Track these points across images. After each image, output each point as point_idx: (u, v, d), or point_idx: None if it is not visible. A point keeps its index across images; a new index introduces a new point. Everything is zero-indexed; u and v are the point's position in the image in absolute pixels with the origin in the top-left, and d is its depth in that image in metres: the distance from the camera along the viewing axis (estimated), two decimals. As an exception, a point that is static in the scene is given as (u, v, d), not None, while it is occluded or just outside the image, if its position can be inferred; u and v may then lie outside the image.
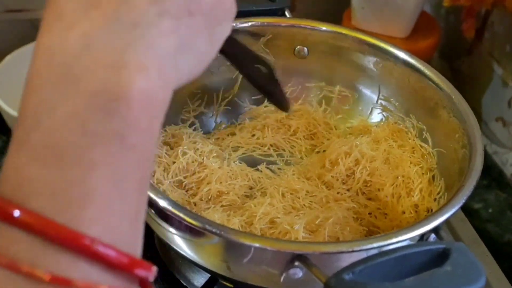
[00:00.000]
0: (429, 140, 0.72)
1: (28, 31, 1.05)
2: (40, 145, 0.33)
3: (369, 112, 0.79)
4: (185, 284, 0.68)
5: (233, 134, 0.79)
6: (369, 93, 0.79)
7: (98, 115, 0.33)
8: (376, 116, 0.79)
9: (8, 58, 0.97)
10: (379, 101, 0.78)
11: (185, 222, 0.52)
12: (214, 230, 0.52)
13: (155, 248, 0.70)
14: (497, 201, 0.97)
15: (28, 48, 1.00)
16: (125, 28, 0.35)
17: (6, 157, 0.34)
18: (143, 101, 0.34)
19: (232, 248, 0.55)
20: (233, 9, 0.42)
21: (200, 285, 0.67)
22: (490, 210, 0.96)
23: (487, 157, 0.98)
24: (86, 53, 0.34)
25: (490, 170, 1.00)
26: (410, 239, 0.53)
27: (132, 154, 0.34)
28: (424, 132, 0.73)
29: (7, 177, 0.33)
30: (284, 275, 0.53)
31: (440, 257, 0.48)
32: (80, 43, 0.34)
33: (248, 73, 0.63)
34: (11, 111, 0.88)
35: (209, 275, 0.67)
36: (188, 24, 0.38)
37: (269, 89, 0.64)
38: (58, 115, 0.33)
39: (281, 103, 0.65)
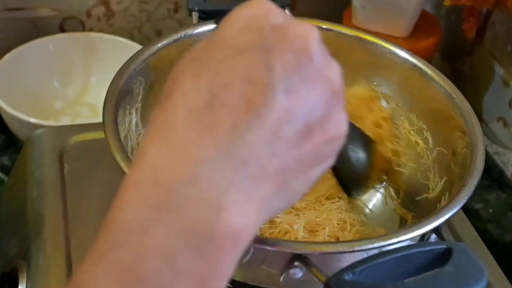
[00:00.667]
0: (430, 139, 0.72)
1: (27, 30, 1.06)
2: (121, 265, 0.31)
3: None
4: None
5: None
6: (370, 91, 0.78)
7: (188, 253, 0.32)
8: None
9: (7, 56, 0.97)
10: (381, 100, 0.78)
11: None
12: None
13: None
14: (498, 202, 0.97)
15: (27, 47, 1.00)
16: (234, 164, 0.34)
17: (80, 264, 0.32)
18: (233, 245, 0.34)
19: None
20: (341, 144, 0.40)
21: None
22: (490, 211, 0.96)
23: (487, 157, 0.98)
24: (192, 183, 0.33)
25: (491, 171, 1.00)
26: (411, 239, 0.53)
27: None
28: (424, 132, 0.73)
29: (77, 286, 0.32)
30: (283, 275, 0.52)
31: (442, 257, 0.48)
32: (189, 171, 0.33)
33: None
34: (10, 109, 0.87)
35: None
36: (294, 166, 0.37)
37: (355, 177, 0.57)
38: (148, 241, 0.32)
39: (351, 188, 0.60)
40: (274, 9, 0.38)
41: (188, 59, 0.38)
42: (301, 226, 0.61)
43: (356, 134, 0.55)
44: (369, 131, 0.74)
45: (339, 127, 0.39)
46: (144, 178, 0.34)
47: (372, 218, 0.72)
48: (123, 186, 0.34)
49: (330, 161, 0.41)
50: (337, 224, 0.64)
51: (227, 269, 0.34)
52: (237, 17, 0.38)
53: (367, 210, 0.72)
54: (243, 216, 0.34)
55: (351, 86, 0.76)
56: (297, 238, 0.60)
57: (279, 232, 0.61)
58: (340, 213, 0.68)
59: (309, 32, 0.37)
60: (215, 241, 0.32)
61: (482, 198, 0.97)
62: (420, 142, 0.72)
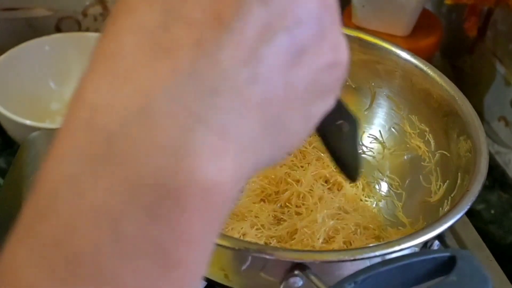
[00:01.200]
0: (432, 142, 0.71)
1: (23, 30, 1.05)
2: (50, 242, 0.24)
3: (370, 112, 0.78)
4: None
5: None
6: (370, 93, 0.78)
7: (139, 215, 0.24)
8: (379, 117, 0.78)
9: (2, 57, 0.96)
10: (381, 102, 0.77)
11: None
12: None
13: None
14: (500, 202, 0.96)
15: (23, 47, 0.99)
16: (200, 92, 0.26)
17: (5, 245, 0.25)
18: (206, 202, 0.25)
19: (229, 257, 0.54)
20: (344, 75, 0.32)
21: (197, 292, 0.66)
22: (492, 211, 0.95)
23: (489, 157, 0.97)
24: (141, 123, 0.25)
25: (493, 171, 0.99)
26: (414, 246, 0.52)
27: (174, 276, 0.25)
28: (426, 134, 0.72)
29: (2, 277, 0.25)
30: (283, 284, 0.52)
31: (446, 266, 0.47)
32: (137, 106, 0.25)
33: (324, 133, 0.47)
34: (6, 111, 0.86)
35: (206, 283, 0.66)
36: (284, 96, 0.29)
37: (343, 152, 0.50)
38: (83, 205, 0.24)
39: (350, 171, 0.51)
40: None
41: None
42: (322, 236, 0.61)
43: (344, 108, 0.48)
44: None
45: (338, 50, 0.31)
46: (80, 123, 0.26)
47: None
48: (55, 137, 0.26)
49: (333, 95, 0.32)
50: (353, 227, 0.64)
51: (204, 235, 0.26)
52: None
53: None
54: (216, 162, 0.25)
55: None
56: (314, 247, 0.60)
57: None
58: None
59: None
60: (177, 197, 0.24)
61: (483, 199, 0.96)
62: (422, 145, 0.71)
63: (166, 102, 0.25)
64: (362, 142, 0.70)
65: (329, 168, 0.73)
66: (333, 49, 0.31)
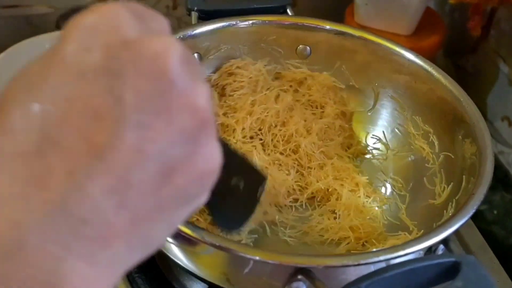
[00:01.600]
0: (436, 143, 0.70)
1: (23, 28, 1.04)
2: None
3: (373, 112, 0.78)
4: (183, 293, 0.67)
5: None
6: (374, 94, 0.77)
7: None
8: (383, 118, 0.77)
9: (2, 55, 0.96)
10: (385, 102, 0.76)
11: (184, 234, 0.51)
12: (213, 243, 0.50)
13: (152, 256, 0.68)
14: (503, 203, 0.96)
15: (23, 45, 0.98)
16: (70, 224, 0.27)
17: None
18: None
19: (231, 260, 0.53)
20: (213, 179, 0.33)
21: (199, 295, 0.66)
22: (495, 212, 0.94)
23: (492, 158, 0.96)
24: (14, 257, 0.26)
25: (496, 171, 0.97)
26: (418, 251, 0.51)
27: None
28: (430, 135, 0.71)
29: None
30: (286, 288, 0.51)
31: (450, 271, 0.46)
32: (9, 239, 0.26)
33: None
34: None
35: (208, 286, 0.65)
36: (151, 215, 0.30)
37: (230, 207, 0.47)
38: None
39: (238, 221, 0.49)
40: (127, 16, 0.30)
41: (18, 83, 0.29)
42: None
43: (243, 165, 0.47)
44: (331, 118, 0.75)
45: (210, 161, 0.32)
46: None
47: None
48: None
49: (202, 198, 0.33)
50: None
51: None
52: (80, 27, 0.29)
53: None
54: (85, 286, 0.27)
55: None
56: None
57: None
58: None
59: (169, 47, 0.30)
60: None
61: (486, 199, 0.95)
62: (426, 146, 0.71)
63: (37, 235, 0.26)
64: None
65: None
66: (205, 161, 0.31)
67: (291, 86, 0.78)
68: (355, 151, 0.78)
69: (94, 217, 0.28)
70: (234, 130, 0.73)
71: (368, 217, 0.69)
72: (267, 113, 0.73)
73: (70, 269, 0.27)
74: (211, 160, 0.32)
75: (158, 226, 0.31)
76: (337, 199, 0.70)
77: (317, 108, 0.78)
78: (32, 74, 0.29)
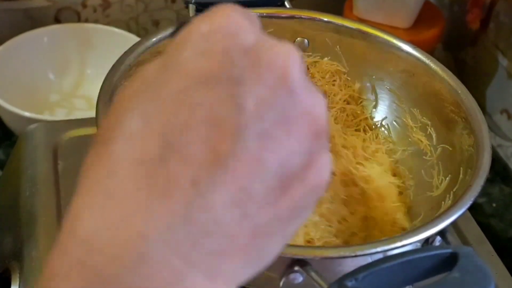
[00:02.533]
0: (434, 135, 0.70)
1: (21, 21, 1.04)
2: None
3: (372, 106, 0.77)
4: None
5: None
6: (372, 86, 0.77)
7: None
8: (381, 110, 0.77)
9: (1, 48, 0.96)
10: (383, 95, 0.76)
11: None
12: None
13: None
14: (501, 196, 0.96)
15: (21, 38, 0.98)
16: (193, 236, 0.26)
17: None
18: None
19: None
20: (322, 193, 0.32)
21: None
22: (494, 205, 0.95)
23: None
24: (138, 269, 0.25)
25: (494, 164, 0.98)
26: (416, 242, 0.51)
27: None
28: (428, 127, 0.71)
29: None
30: (283, 279, 0.51)
31: (448, 263, 0.46)
32: (134, 251, 0.26)
33: None
34: (4, 103, 0.86)
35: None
36: (270, 230, 0.29)
37: None
38: None
39: None
40: (244, 22, 0.30)
41: (135, 90, 0.29)
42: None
43: None
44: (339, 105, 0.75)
45: (323, 173, 0.31)
46: (73, 263, 0.26)
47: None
48: (45, 273, 0.27)
49: (309, 212, 0.32)
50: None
51: None
52: (196, 33, 0.29)
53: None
54: None
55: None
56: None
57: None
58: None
59: (289, 55, 0.29)
60: None
61: (485, 192, 0.96)
62: (424, 139, 0.71)
63: (161, 248, 0.26)
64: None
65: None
66: (318, 174, 0.31)
67: None
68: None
69: (217, 229, 0.27)
70: None
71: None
72: None
73: (191, 284, 0.26)
74: (324, 171, 0.31)
75: (274, 239, 0.30)
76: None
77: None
78: (149, 80, 0.29)
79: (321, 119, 0.30)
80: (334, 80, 0.77)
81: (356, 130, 0.77)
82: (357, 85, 0.78)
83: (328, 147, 0.32)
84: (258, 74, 0.28)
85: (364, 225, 0.65)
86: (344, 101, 0.77)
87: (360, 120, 0.78)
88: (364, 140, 0.74)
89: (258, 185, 0.28)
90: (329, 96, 0.77)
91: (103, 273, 0.25)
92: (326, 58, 0.78)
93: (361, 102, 0.78)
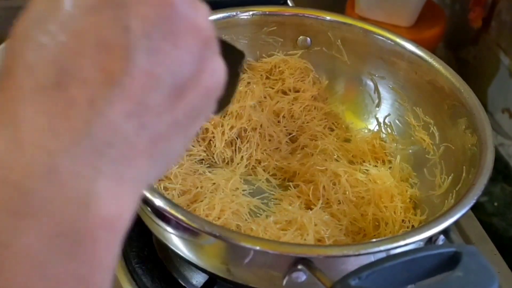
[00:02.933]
0: (436, 134, 0.70)
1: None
2: None
3: (375, 105, 0.77)
4: (183, 284, 0.66)
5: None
6: (375, 85, 0.77)
7: (61, 257, 0.28)
8: (384, 109, 0.77)
9: (1, 47, 0.95)
10: (386, 94, 0.76)
11: (183, 224, 0.50)
12: (213, 232, 0.50)
13: (152, 246, 0.69)
14: (503, 194, 0.96)
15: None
16: (96, 148, 0.30)
17: None
18: (109, 235, 0.30)
19: (232, 251, 0.53)
20: (218, 93, 0.35)
21: (199, 285, 0.66)
22: (495, 204, 0.94)
23: (493, 149, 0.96)
24: (50, 180, 0.28)
25: (496, 163, 0.97)
26: (419, 241, 0.51)
27: None
28: (431, 126, 0.71)
29: None
30: (286, 278, 0.51)
31: (451, 261, 0.46)
32: (44, 165, 0.28)
33: None
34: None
35: (208, 276, 0.65)
36: (169, 132, 0.33)
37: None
38: (12, 253, 0.28)
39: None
40: None
41: (28, 21, 0.31)
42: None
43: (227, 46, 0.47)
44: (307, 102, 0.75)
45: (215, 77, 0.34)
46: None
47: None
48: None
49: (209, 111, 0.36)
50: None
51: (109, 259, 0.30)
52: None
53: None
54: (115, 202, 0.30)
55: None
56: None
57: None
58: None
59: None
60: (89, 237, 0.29)
61: (487, 191, 0.95)
62: (426, 137, 0.71)
63: (68, 159, 0.29)
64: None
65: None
66: (211, 77, 0.34)
67: (261, 75, 0.78)
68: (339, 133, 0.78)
69: (117, 140, 0.30)
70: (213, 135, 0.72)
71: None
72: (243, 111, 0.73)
73: (101, 188, 0.29)
74: (217, 74, 0.34)
75: (175, 141, 0.34)
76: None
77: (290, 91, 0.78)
78: (39, 11, 0.31)
79: (206, 29, 0.33)
80: (303, 77, 0.78)
81: (330, 129, 0.77)
82: (325, 83, 0.78)
83: (218, 52, 0.34)
84: None
85: (374, 226, 0.65)
86: (312, 97, 0.77)
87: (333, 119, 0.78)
88: (366, 140, 0.74)
89: (153, 96, 0.31)
90: (295, 92, 0.77)
91: (20, 188, 0.28)
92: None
93: (327, 99, 0.79)
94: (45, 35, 0.30)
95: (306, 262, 0.49)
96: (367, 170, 0.70)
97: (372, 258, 0.49)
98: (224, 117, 0.72)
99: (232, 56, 0.47)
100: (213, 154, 0.71)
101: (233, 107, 0.72)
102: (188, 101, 0.33)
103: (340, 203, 0.66)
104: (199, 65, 0.33)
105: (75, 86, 0.29)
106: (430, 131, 0.71)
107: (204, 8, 0.33)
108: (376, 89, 0.76)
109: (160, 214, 0.54)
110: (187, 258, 0.57)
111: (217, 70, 0.34)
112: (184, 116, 0.33)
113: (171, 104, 0.32)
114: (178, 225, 0.53)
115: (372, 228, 0.64)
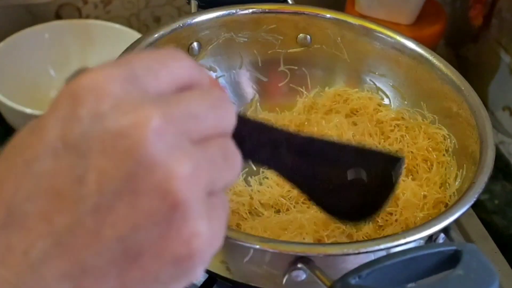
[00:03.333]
0: (444, 129, 0.70)
1: (22, 17, 1.04)
2: None
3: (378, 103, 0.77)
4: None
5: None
6: (375, 83, 0.77)
7: None
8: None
9: (1, 45, 0.95)
10: (387, 91, 0.76)
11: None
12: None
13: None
14: (504, 192, 0.96)
15: (22, 34, 0.98)
16: None
17: None
18: None
19: (231, 249, 0.53)
20: (203, 262, 0.30)
21: (199, 284, 0.65)
22: (496, 202, 0.94)
23: (493, 147, 0.96)
24: None
25: (496, 161, 0.97)
26: (419, 239, 0.51)
27: None
28: (436, 123, 0.71)
29: None
30: (286, 277, 0.51)
31: (451, 260, 0.46)
32: None
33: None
34: (5, 100, 0.85)
35: (207, 275, 0.65)
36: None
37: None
38: None
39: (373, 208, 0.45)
40: (117, 81, 0.29)
41: (4, 153, 0.30)
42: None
43: (362, 154, 0.43)
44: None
45: (187, 244, 0.29)
46: None
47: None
48: None
49: (190, 277, 0.31)
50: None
51: None
52: (66, 95, 0.29)
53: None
54: None
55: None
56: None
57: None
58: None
59: (143, 121, 0.27)
60: None
61: (487, 189, 0.95)
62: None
63: None
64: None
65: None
66: (181, 245, 0.29)
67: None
68: None
69: None
70: None
71: None
72: None
73: None
74: (189, 243, 0.29)
75: None
76: None
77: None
78: (14, 144, 0.30)
79: (177, 190, 0.28)
80: None
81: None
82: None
83: (197, 216, 0.29)
84: (104, 144, 0.27)
85: (377, 227, 0.65)
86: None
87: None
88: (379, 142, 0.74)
89: (94, 259, 0.28)
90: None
91: None
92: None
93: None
94: (8, 172, 0.29)
95: (306, 260, 0.49)
96: None
97: (372, 257, 0.49)
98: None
99: (380, 163, 0.44)
100: None
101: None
102: (145, 268, 0.29)
103: None
104: (162, 231, 0.28)
105: (16, 232, 0.28)
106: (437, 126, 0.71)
107: (188, 163, 0.28)
108: (376, 87, 0.76)
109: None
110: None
111: (190, 238, 0.29)
112: (140, 284, 0.29)
113: (120, 270, 0.28)
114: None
115: (375, 230, 0.64)
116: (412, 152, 0.70)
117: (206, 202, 0.30)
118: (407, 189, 0.65)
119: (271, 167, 0.40)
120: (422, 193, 0.65)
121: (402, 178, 0.67)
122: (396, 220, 0.64)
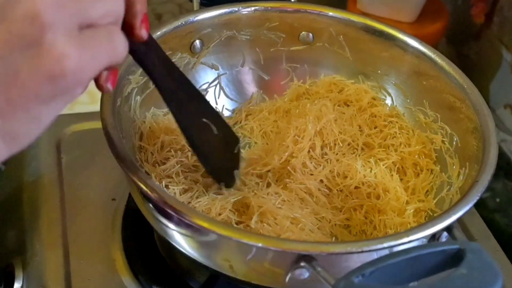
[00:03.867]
0: (446, 127, 0.70)
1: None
2: None
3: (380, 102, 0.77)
4: (186, 280, 0.66)
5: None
6: (378, 81, 0.76)
7: None
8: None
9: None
10: (390, 89, 0.76)
11: (186, 220, 0.50)
12: (215, 230, 0.49)
13: (154, 243, 0.68)
14: (505, 190, 0.96)
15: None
16: None
17: None
18: None
19: (234, 248, 0.53)
20: (76, 81, 0.37)
21: (201, 282, 0.65)
22: (497, 200, 0.94)
23: (495, 145, 0.96)
24: None
25: (498, 159, 0.97)
26: (422, 238, 0.51)
27: None
28: (438, 121, 0.71)
29: None
30: (289, 275, 0.51)
31: (455, 258, 0.46)
32: None
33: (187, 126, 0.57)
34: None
35: (210, 273, 0.65)
36: (3, 113, 0.35)
37: (211, 154, 0.60)
38: None
39: (218, 175, 0.62)
40: None
41: None
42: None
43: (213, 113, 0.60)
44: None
45: (59, 61, 0.35)
46: None
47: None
48: None
49: (69, 96, 0.37)
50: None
51: None
52: None
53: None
54: None
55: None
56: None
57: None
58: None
59: None
60: None
61: (488, 187, 0.95)
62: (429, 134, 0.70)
63: None
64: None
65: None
66: (54, 62, 0.35)
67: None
68: None
69: None
70: None
71: None
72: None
73: None
74: (59, 62, 0.35)
75: (18, 122, 0.36)
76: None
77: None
78: None
79: (43, 13, 0.34)
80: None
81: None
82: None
83: (65, 36, 0.35)
84: None
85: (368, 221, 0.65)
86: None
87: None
88: (368, 134, 0.74)
89: None
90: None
91: None
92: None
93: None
94: None
95: (309, 259, 0.49)
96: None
97: (375, 255, 0.49)
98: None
99: (229, 134, 0.61)
100: None
101: None
102: (25, 85, 0.35)
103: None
104: (36, 51, 0.34)
105: None
106: (439, 125, 0.70)
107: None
108: (379, 85, 0.76)
109: (162, 210, 0.54)
110: (189, 255, 0.56)
111: (61, 56, 0.35)
112: (23, 99, 0.35)
113: (4, 86, 0.34)
114: (180, 222, 0.52)
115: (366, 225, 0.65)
116: (403, 152, 0.70)
117: (77, 30, 0.36)
118: (391, 189, 0.65)
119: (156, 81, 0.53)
120: (405, 199, 0.66)
121: (390, 172, 0.68)
122: (371, 222, 0.64)
